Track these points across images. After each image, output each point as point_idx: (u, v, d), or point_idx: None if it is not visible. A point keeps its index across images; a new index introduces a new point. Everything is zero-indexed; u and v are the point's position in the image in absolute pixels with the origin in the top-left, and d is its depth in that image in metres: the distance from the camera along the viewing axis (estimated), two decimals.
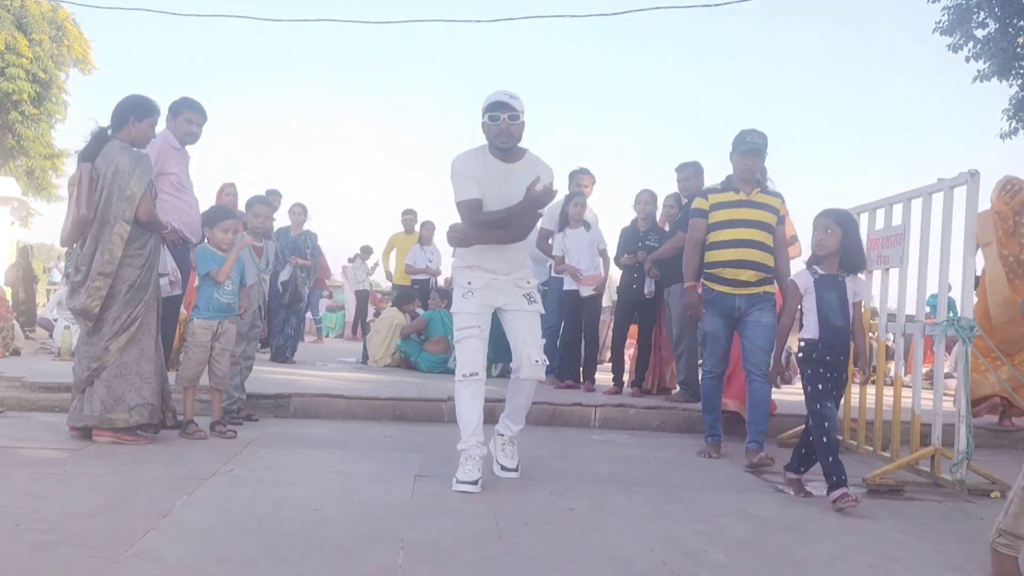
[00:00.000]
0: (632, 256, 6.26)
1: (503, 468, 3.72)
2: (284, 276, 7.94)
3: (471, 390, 3.54)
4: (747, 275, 4.35)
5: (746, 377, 4.44)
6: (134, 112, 4.10)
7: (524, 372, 3.65)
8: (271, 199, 7.63)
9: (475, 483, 3.39)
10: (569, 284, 6.61)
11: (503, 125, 3.51)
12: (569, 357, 6.81)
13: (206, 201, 6.01)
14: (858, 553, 2.78)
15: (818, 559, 2.70)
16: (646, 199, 6.50)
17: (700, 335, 4.62)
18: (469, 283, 3.66)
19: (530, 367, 3.61)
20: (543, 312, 3.86)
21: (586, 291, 6.54)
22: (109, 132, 4.09)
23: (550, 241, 6.80)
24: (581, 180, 6.87)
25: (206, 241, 4.58)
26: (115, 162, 3.97)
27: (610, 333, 7.37)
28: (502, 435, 3.78)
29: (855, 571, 2.59)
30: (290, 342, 8.11)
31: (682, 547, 2.72)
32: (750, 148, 4.38)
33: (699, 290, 4.56)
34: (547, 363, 3.78)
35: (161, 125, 4.49)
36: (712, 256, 4.45)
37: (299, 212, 8.28)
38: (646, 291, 6.26)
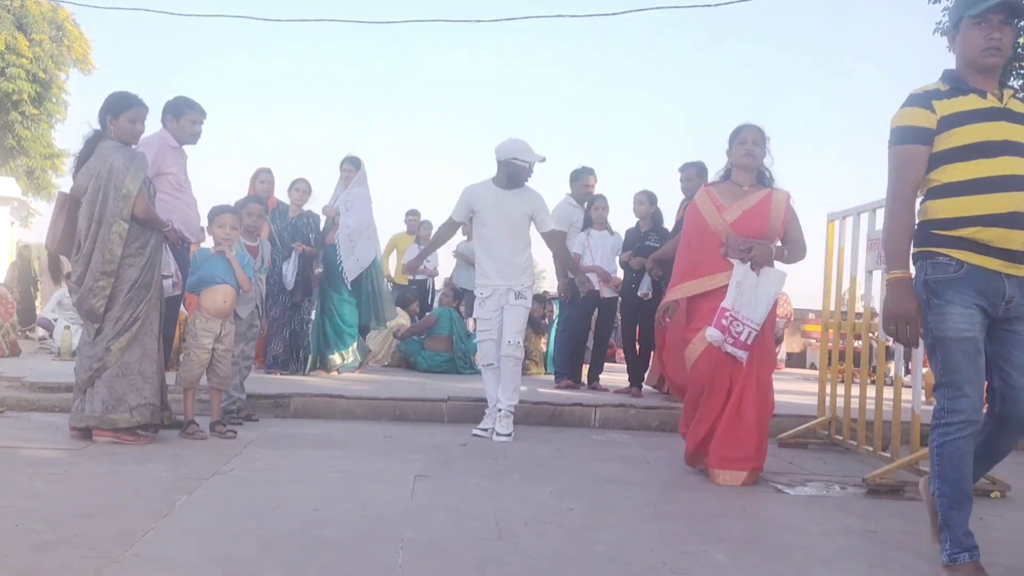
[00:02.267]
0: (639, 260, 6.27)
1: (497, 434, 4.64)
2: (291, 268, 6.49)
3: (490, 374, 4.89)
4: (1021, 240, 2.43)
5: (995, 424, 2.56)
6: (109, 111, 4.08)
7: (503, 351, 4.76)
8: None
9: (485, 430, 4.75)
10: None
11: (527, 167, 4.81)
12: (574, 356, 6.85)
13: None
14: (858, 553, 2.78)
15: (818, 559, 2.70)
16: (641, 199, 6.54)
17: (929, 344, 2.54)
18: (482, 293, 4.87)
19: (506, 347, 4.74)
20: (528, 306, 4.85)
21: (607, 292, 6.66)
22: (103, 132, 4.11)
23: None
24: (587, 180, 6.89)
25: (204, 240, 4.60)
26: (109, 161, 3.98)
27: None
28: (499, 409, 4.75)
29: (855, 571, 2.59)
30: (291, 349, 6.60)
31: (682, 547, 2.72)
32: (993, 4, 2.48)
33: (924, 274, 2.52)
34: (520, 344, 4.76)
35: (157, 125, 4.51)
36: (949, 208, 2.49)
37: (303, 189, 6.65)
38: (640, 292, 6.29)
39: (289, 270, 6.48)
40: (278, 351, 6.58)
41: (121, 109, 4.08)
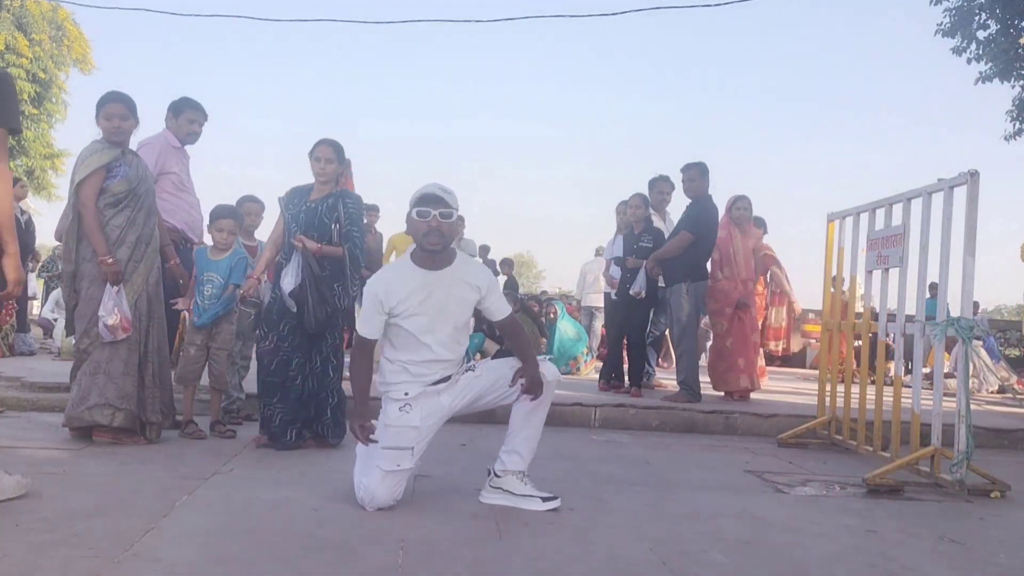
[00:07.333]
0: (637, 260, 6.34)
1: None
2: (290, 277, 4.02)
3: None
4: None
5: None
6: (96, 113, 4.05)
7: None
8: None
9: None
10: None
11: (433, 223, 2.99)
12: (610, 359, 6.94)
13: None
14: (858, 553, 2.78)
15: (818, 559, 2.70)
16: (636, 203, 6.60)
17: None
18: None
19: None
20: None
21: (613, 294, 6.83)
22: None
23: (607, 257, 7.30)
24: (660, 187, 6.89)
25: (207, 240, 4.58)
26: (79, 155, 4.00)
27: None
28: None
29: (855, 571, 2.59)
30: (303, 406, 4.12)
31: (682, 547, 2.72)
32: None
33: None
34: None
35: (156, 124, 4.51)
36: None
37: (323, 158, 4.13)
38: (633, 290, 6.32)
39: (287, 280, 4.04)
40: (281, 411, 4.08)
41: (99, 108, 4.01)
